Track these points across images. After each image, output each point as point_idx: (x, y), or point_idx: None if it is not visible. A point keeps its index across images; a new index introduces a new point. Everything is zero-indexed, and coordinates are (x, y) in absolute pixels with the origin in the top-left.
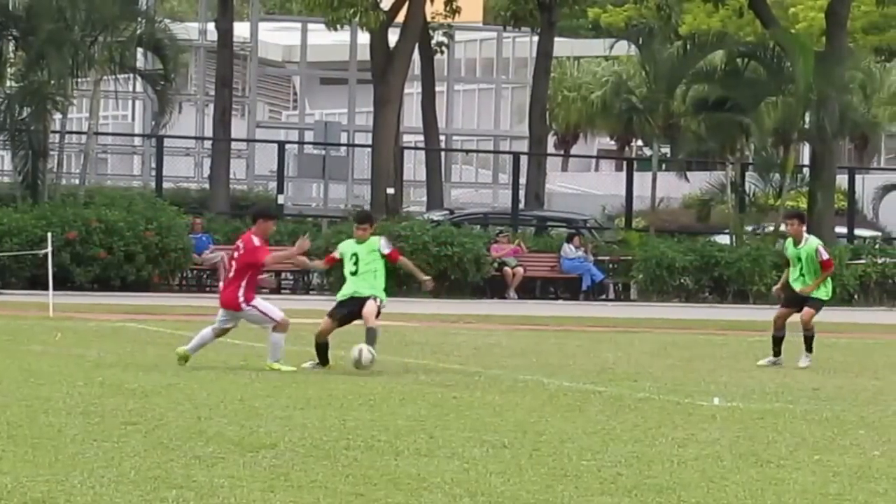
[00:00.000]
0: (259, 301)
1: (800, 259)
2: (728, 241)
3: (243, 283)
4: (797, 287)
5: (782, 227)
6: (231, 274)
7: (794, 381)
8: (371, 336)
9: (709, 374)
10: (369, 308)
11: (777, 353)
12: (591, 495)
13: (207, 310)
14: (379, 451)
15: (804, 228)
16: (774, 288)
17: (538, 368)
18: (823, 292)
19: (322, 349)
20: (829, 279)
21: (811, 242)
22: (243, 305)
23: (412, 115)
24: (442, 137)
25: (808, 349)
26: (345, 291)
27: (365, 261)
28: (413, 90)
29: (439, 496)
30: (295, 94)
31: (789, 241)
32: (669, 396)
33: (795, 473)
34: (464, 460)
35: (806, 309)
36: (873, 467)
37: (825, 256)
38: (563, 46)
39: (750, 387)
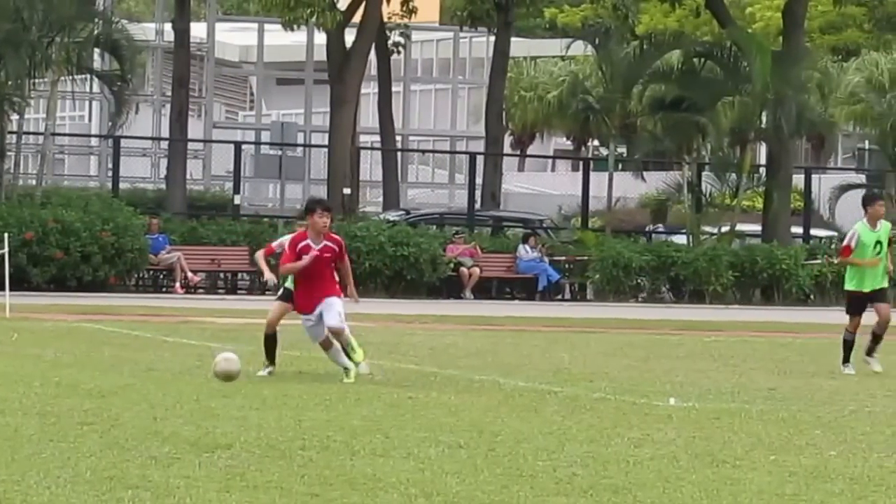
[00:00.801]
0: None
1: (879, 243)
2: (685, 241)
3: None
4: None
5: (738, 227)
6: None
7: (750, 381)
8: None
9: (665, 375)
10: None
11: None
12: (547, 495)
13: (163, 310)
14: (335, 451)
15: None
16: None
17: (494, 369)
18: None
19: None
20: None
21: (886, 225)
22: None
23: (369, 115)
24: (398, 138)
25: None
26: None
27: None
28: (370, 90)
29: (395, 496)
30: (251, 94)
31: (863, 224)
32: (625, 397)
33: (751, 473)
34: (419, 460)
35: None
36: (829, 467)
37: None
38: (519, 46)
39: (706, 387)
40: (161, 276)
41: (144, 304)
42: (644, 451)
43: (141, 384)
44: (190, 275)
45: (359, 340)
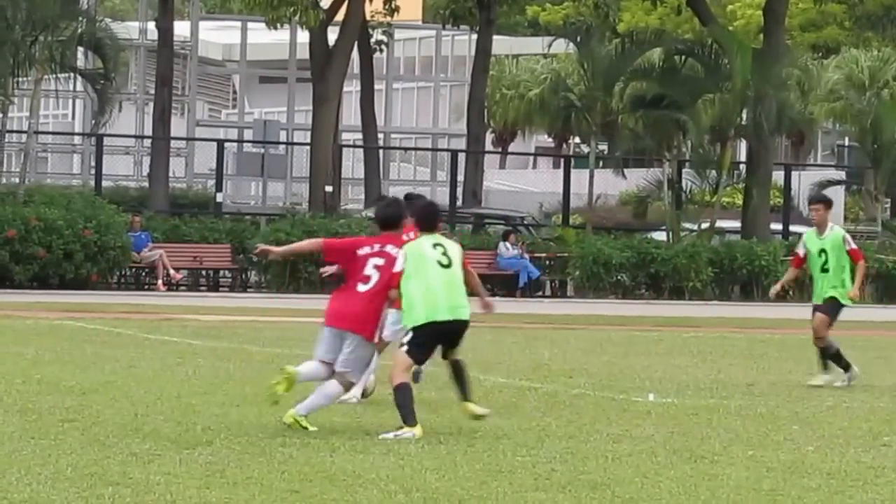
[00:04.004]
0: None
1: (824, 251)
2: (665, 238)
3: None
4: (824, 284)
5: (717, 224)
6: None
7: (728, 377)
8: None
9: (644, 371)
10: None
11: (846, 366)
12: (526, 491)
13: (145, 307)
14: (315, 447)
15: (829, 214)
16: (773, 289)
17: (474, 365)
18: (843, 290)
19: None
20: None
21: (837, 231)
22: None
23: (351, 113)
24: (381, 135)
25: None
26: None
27: None
28: (352, 88)
29: (374, 492)
30: (234, 92)
31: (812, 232)
32: (604, 393)
33: (729, 469)
34: (399, 456)
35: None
36: (806, 462)
37: (854, 245)
38: (501, 44)
39: (685, 383)
40: (143, 274)
41: (126, 301)
42: (623, 446)
43: (122, 381)
44: (172, 272)
45: None
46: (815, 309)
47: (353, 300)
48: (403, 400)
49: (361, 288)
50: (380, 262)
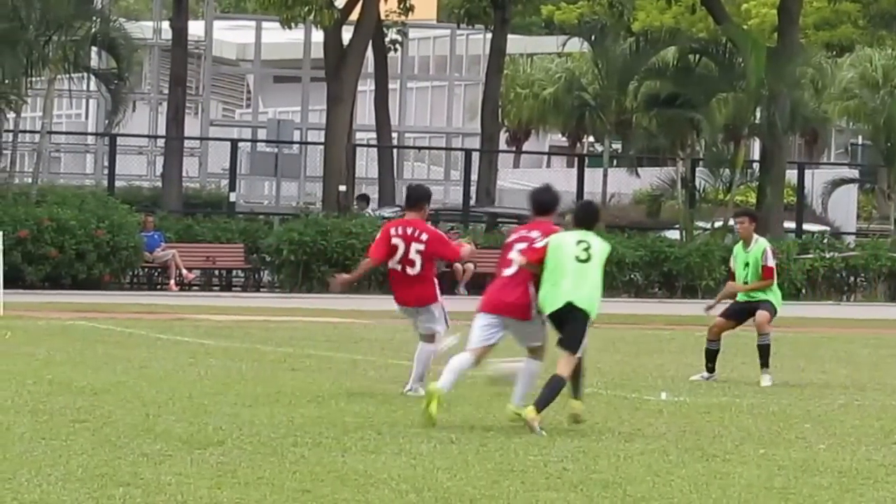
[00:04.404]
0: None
1: (748, 265)
2: (678, 237)
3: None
4: (743, 298)
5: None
6: (419, 268)
7: (741, 375)
8: None
9: (656, 369)
10: None
11: (711, 368)
12: (538, 490)
13: (157, 307)
14: (326, 447)
15: (754, 227)
16: (709, 308)
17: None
18: (774, 297)
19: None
20: (778, 288)
21: (760, 244)
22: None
23: (365, 112)
24: (395, 135)
25: (765, 364)
26: None
27: None
28: (366, 88)
29: (386, 492)
30: (248, 92)
31: (739, 245)
32: (617, 391)
33: (741, 468)
34: (411, 456)
35: (760, 312)
36: (818, 461)
37: (770, 263)
38: (516, 44)
39: (697, 381)
40: (156, 274)
41: (139, 301)
42: (635, 445)
43: (133, 382)
44: (185, 272)
45: (356, 337)
46: (756, 307)
47: (505, 287)
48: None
49: (507, 272)
50: (523, 246)
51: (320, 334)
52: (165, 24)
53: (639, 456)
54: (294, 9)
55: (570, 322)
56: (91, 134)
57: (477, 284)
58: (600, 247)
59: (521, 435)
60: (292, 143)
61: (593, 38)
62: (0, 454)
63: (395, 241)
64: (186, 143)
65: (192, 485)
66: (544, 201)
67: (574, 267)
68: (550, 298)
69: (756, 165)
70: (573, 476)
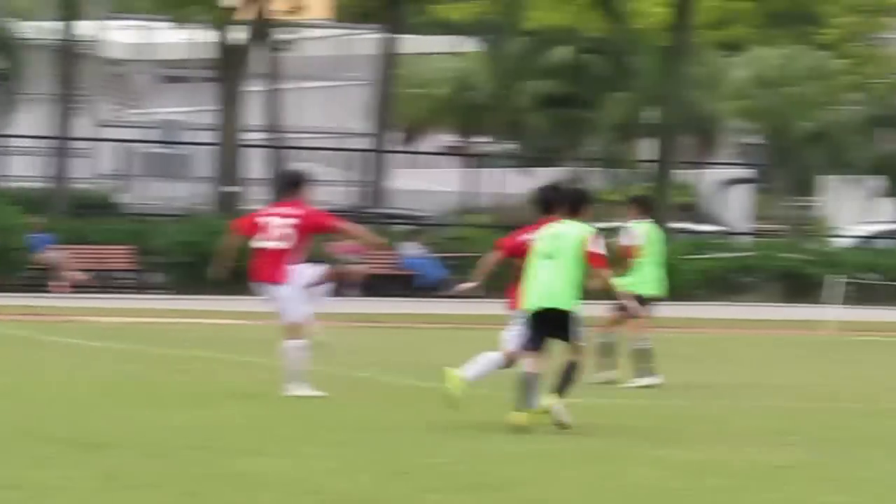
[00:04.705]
0: None
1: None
2: None
3: None
4: None
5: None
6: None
7: (628, 376)
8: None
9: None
10: None
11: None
12: (426, 492)
13: (45, 309)
14: (214, 450)
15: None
16: None
17: (377, 366)
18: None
19: None
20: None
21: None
22: None
23: (256, 112)
24: (288, 135)
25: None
26: None
27: None
28: (258, 88)
29: (274, 494)
30: (139, 92)
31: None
32: (507, 393)
33: (636, 469)
34: (300, 458)
35: None
36: (713, 462)
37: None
38: (409, 43)
39: (586, 382)
40: (43, 276)
41: (26, 303)
42: (526, 446)
43: (19, 383)
44: (73, 274)
45: (245, 338)
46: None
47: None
48: None
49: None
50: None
51: (209, 336)
52: (55, 24)
53: (530, 458)
54: (184, 9)
55: (558, 324)
56: None
57: (367, 286)
58: (575, 236)
59: (411, 437)
60: (182, 143)
61: (487, 37)
62: None
63: None
64: (76, 145)
65: (76, 488)
66: (551, 199)
67: (544, 264)
68: (529, 297)
69: (649, 165)
70: (463, 478)
